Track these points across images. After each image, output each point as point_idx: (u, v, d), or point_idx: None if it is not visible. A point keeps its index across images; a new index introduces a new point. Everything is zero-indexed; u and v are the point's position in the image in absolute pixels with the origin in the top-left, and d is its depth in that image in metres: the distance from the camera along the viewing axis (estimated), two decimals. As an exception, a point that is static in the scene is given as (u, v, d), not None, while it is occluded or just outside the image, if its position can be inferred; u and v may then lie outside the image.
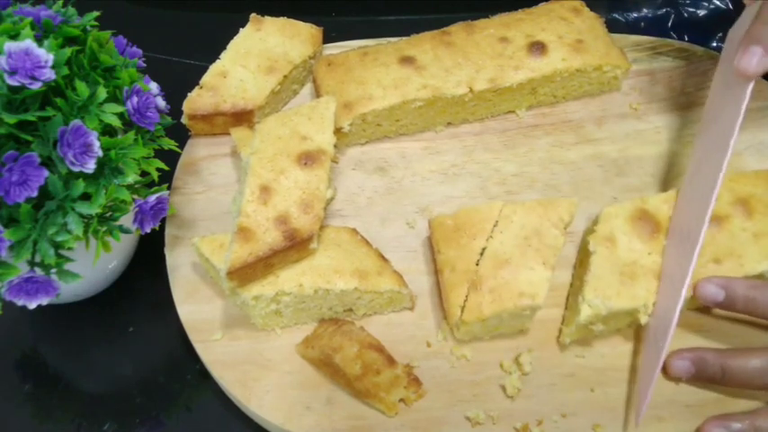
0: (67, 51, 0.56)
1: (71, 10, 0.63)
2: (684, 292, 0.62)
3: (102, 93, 0.57)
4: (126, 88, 0.60)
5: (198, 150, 0.80)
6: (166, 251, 0.72)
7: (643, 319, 0.64)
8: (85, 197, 0.56)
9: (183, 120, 0.78)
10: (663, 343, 0.61)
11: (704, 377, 0.63)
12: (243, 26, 0.84)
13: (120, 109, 0.58)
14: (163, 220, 0.67)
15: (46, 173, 0.53)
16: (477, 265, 0.66)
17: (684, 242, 0.64)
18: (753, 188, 0.70)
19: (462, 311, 0.64)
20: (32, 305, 0.57)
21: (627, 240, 0.67)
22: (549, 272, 0.65)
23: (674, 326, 0.61)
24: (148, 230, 0.62)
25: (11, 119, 0.52)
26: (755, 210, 0.68)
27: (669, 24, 1.01)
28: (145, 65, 0.66)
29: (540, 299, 0.63)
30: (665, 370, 0.64)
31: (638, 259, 0.66)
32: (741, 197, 0.69)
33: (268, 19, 0.85)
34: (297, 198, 0.67)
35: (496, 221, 0.68)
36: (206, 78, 0.80)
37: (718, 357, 0.62)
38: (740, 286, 0.62)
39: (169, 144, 0.66)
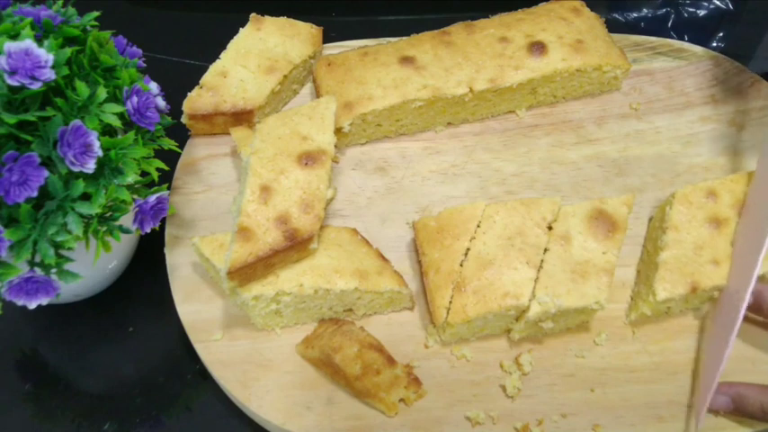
0: (67, 51, 0.56)
1: (71, 10, 0.63)
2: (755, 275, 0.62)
3: (102, 93, 0.57)
4: (126, 88, 0.60)
5: (198, 150, 0.80)
6: (166, 251, 0.72)
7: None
8: (85, 197, 0.56)
9: (183, 120, 0.78)
10: (729, 335, 0.61)
11: (744, 414, 0.61)
12: (243, 26, 0.84)
13: (120, 109, 0.58)
14: (163, 220, 0.67)
15: (46, 173, 0.53)
16: (461, 266, 0.66)
17: (755, 232, 0.64)
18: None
19: (447, 313, 0.64)
20: (32, 305, 0.57)
21: (582, 239, 0.67)
22: (533, 271, 0.65)
23: (742, 311, 0.61)
24: (148, 230, 0.62)
25: (11, 119, 0.52)
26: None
27: (669, 24, 1.01)
28: (145, 65, 0.66)
29: (525, 298, 0.63)
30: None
31: (591, 258, 0.66)
32: (740, 198, 0.69)
33: (268, 19, 0.85)
34: (297, 198, 0.67)
35: (479, 222, 0.68)
36: (206, 78, 0.80)
37: (760, 395, 0.60)
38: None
39: (169, 144, 0.66)
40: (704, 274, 0.66)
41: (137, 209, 0.60)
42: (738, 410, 0.61)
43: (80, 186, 0.54)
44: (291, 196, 0.67)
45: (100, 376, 0.69)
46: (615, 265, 0.65)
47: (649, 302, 0.66)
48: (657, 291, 0.65)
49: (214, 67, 0.81)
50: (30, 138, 0.53)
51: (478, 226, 0.68)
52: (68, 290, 0.66)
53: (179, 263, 0.71)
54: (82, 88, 0.56)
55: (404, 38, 0.84)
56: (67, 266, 0.58)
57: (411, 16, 1.01)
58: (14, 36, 0.55)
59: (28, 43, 0.53)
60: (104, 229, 0.58)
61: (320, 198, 0.67)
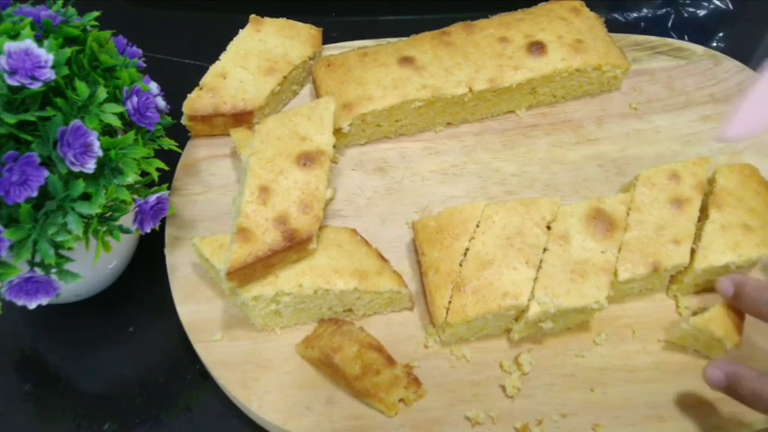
0: (67, 51, 0.56)
1: (71, 10, 0.63)
2: None
3: (102, 93, 0.57)
4: (126, 88, 0.60)
5: (198, 151, 0.80)
6: (166, 251, 0.72)
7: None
8: (85, 197, 0.56)
9: (183, 121, 0.79)
10: None
11: (734, 395, 0.59)
12: (243, 27, 0.84)
13: (120, 109, 0.58)
14: (163, 221, 0.67)
15: (46, 173, 0.53)
16: (460, 266, 0.66)
17: None
18: (725, 182, 0.71)
19: (447, 313, 0.64)
20: (32, 305, 0.57)
21: (581, 239, 0.67)
22: (533, 271, 0.65)
23: None
24: (148, 230, 0.62)
25: (11, 119, 0.52)
26: (725, 203, 0.69)
27: (669, 24, 1.01)
28: (145, 65, 0.67)
29: (524, 298, 0.63)
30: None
31: (590, 258, 0.66)
32: (702, 180, 0.71)
33: (268, 20, 0.85)
34: (296, 198, 0.67)
35: (478, 222, 0.68)
36: (206, 79, 0.80)
37: (754, 380, 0.57)
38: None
39: (169, 144, 0.66)
40: (665, 253, 0.66)
41: (137, 209, 0.61)
42: (729, 389, 0.59)
43: (80, 186, 0.55)
44: (290, 197, 0.67)
45: (100, 376, 0.69)
46: (614, 265, 0.65)
47: (612, 283, 0.66)
48: (619, 271, 0.65)
49: (214, 69, 0.81)
50: (30, 138, 0.54)
51: (478, 226, 0.68)
52: (68, 290, 0.66)
53: (179, 263, 0.71)
54: (82, 88, 0.56)
55: (403, 38, 0.84)
56: (67, 266, 0.58)
57: (411, 16, 1.01)
58: (14, 36, 0.55)
59: (28, 43, 0.53)
60: (104, 229, 0.58)
61: (319, 198, 0.67)
